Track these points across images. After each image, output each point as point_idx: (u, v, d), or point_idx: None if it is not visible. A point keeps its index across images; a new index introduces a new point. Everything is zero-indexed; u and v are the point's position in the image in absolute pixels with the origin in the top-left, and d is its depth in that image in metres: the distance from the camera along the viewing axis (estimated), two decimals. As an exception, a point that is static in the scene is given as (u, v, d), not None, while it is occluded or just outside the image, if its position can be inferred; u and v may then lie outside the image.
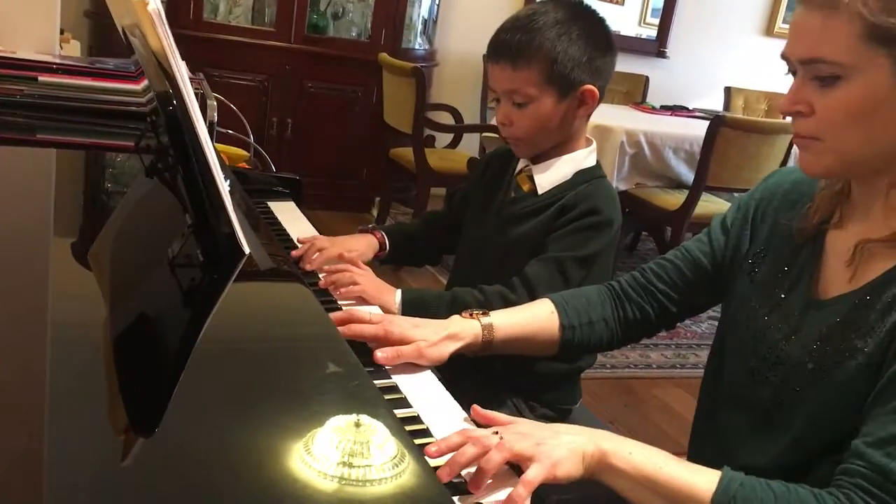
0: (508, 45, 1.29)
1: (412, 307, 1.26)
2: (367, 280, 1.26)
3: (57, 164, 1.42)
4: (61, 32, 2.77)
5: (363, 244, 1.47)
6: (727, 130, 3.30)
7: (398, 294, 1.27)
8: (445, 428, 0.89)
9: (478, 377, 1.31)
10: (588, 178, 1.37)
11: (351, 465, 0.65)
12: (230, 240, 0.88)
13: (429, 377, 1.05)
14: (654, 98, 4.85)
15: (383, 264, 1.57)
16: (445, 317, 1.25)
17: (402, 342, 1.05)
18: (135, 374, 0.76)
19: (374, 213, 4.36)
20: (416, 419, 0.92)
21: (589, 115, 1.37)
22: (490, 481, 0.80)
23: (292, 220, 1.62)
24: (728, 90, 5.13)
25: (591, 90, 1.31)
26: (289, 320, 1.02)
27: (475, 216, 1.49)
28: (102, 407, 0.70)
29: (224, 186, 0.87)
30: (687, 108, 4.52)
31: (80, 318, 0.86)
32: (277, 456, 0.66)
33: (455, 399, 1.01)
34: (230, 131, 2.53)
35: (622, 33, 5.36)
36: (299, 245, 1.40)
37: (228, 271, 0.91)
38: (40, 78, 1.48)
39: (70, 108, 1.50)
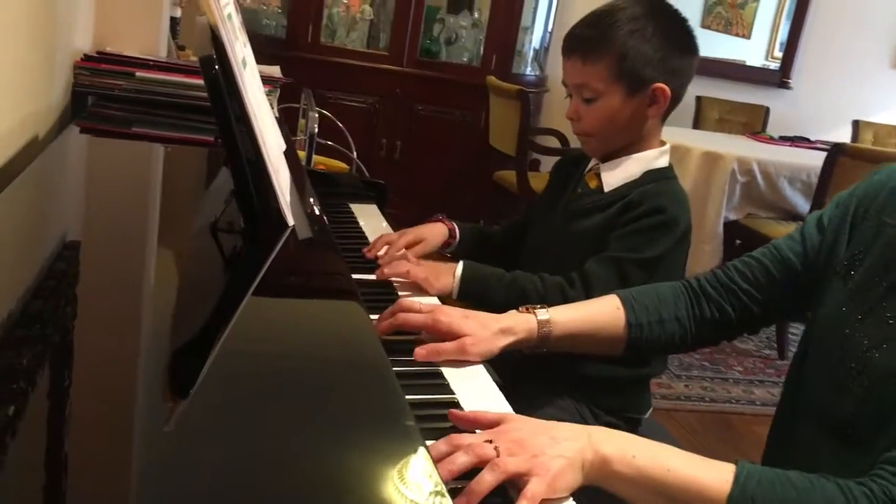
0: (580, 39, 1.28)
1: (470, 282, 1.26)
2: (422, 270, 1.25)
3: (164, 159, 1.47)
4: (182, 49, 2.91)
5: (431, 232, 1.47)
6: (846, 160, 3.12)
7: (459, 266, 1.27)
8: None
9: (537, 378, 1.27)
10: (657, 177, 1.33)
11: (443, 495, 0.61)
12: (274, 213, 0.88)
13: (479, 371, 1.02)
14: (774, 129, 4.66)
15: (454, 257, 1.55)
16: (502, 296, 1.23)
17: (450, 332, 1.02)
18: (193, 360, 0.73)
19: (478, 236, 4.36)
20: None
21: (663, 116, 1.33)
22: None
23: (370, 218, 1.65)
24: (856, 123, 4.88)
25: (662, 88, 1.28)
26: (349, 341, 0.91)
27: (542, 214, 1.47)
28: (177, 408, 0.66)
29: (272, 157, 0.88)
30: (808, 140, 4.31)
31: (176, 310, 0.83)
32: (371, 477, 0.62)
33: (514, 400, 0.96)
34: (329, 142, 2.59)
35: (747, 63, 5.21)
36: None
37: (271, 243, 0.91)
38: (137, 73, 1.55)
39: (164, 104, 1.57)
